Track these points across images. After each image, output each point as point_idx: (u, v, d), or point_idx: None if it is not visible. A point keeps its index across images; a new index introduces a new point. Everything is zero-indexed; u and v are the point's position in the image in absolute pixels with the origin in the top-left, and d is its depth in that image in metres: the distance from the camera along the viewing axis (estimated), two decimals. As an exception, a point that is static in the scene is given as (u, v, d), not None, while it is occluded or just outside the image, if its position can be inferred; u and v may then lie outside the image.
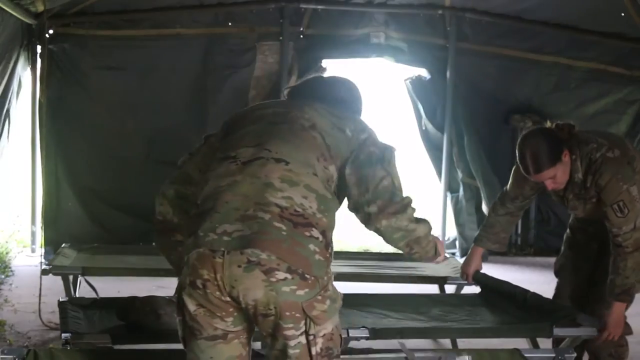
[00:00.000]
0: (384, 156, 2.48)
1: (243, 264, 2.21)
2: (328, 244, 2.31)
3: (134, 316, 3.33)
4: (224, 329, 2.33)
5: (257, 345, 2.77)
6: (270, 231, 2.23)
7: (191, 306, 2.31)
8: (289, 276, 2.22)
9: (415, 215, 2.49)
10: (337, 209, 2.43)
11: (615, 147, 3.65)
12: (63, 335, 3.07)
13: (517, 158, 3.60)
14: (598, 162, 3.59)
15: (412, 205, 2.48)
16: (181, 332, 2.41)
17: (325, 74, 2.85)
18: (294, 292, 2.22)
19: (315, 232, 2.28)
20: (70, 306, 3.57)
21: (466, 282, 4.22)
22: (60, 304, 3.60)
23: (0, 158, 6.72)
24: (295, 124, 2.45)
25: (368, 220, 2.46)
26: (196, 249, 2.27)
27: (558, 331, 3.44)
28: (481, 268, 4.18)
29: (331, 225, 2.35)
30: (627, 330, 3.66)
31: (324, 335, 2.29)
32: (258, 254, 2.21)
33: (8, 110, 6.68)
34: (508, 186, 3.96)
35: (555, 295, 3.97)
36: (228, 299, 2.27)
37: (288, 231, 2.24)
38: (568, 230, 4.06)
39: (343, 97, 2.69)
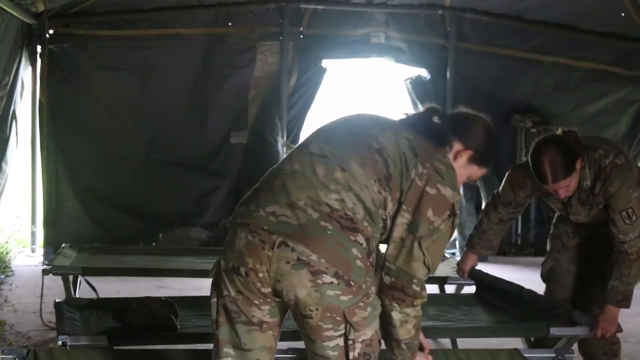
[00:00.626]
0: (435, 231, 2.38)
1: (292, 261, 2.24)
2: (370, 252, 2.32)
3: (130, 317, 3.33)
4: (260, 318, 2.36)
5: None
6: (315, 229, 2.26)
7: (232, 290, 2.34)
8: (335, 281, 2.24)
9: (411, 324, 2.43)
10: (379, 229, 2.38)
11: (620, 154, 3.64)
12: (60, 337, 3.07)
13: (532, 166, 3.54)
14: (608, 169, 3.57)
15: (414, 306, 2.42)
16: (215, 314, 2.42)
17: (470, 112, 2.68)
18: (337, 297, 2.25)
19: (360, 238, 2.29)
20: (66, 307, 3.57)
21: (463, 279, 4.25)
22: (56, 304, 3.60)
23: (10, 162, 6.74)
24: (363, 142, 2.43)
25: (380, 282, 2.43)
26: (246, 232, 2.30)
27: (554, 331, 3.44)
28: (476, 265, 4.20)
29: (375, 237, 2.35)
30: (618, 328, 3.74)
31: (363, 340, 2.31)
32: (309, 254, 2.23)
33: (14, 112, 6.70)
34: (500, 190, 3.93)
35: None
36: (269, 290, 2.30)
37: (333, 231, 2.27)
38: (554, 233, 4.03)
39: (434, 139, 2.52)
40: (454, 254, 7.29)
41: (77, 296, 4.47)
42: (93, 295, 4.17)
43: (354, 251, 2.28)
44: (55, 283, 4.75)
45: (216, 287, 2.40)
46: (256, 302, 2.33)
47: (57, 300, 3.69)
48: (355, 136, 2.46)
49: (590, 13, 7.06)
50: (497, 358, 3.16)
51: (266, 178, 2.42)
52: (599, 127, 7.67)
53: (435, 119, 2.53)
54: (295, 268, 2.24)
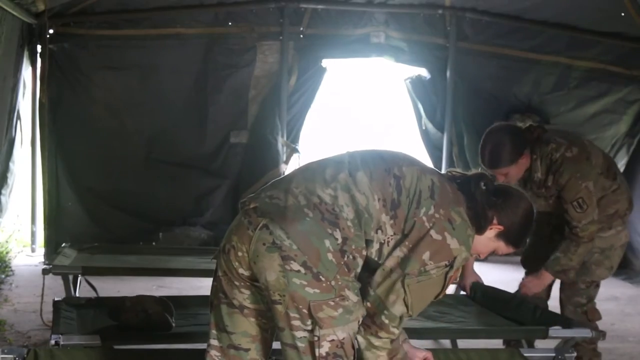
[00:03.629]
0: (429, 275, 2.37)
1: (268, 244, 2.31)
2: (344, 251, 2.32)
3: (124, 316, 3.34)
4: (241, 302, 2.41)
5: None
6: (296, 212, 2.33)
7: (219, 271, 2.44)
8: (302, 270, 2.27)
9: (377, 353, 2.42)
10: (368, 243, 2.38)
11: (573, 146, 3.84)
12: (53, 336, 3.08)
13: (480, 148, 3.78)
14: (558, 162, 3.79)
15: (378, 336, 2.41)
16: (211, 295, 2.50)
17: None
18: (303, 287, 2.27)
19: (337, 234, 2.32)
20: (64, 306, 3.59)
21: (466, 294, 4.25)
22: (55, 303, 3.61)
23: (17, 162, 6.82)
24: (386, 165, 2.45)
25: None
26: (242, 213, 2.41)
27: (553, 332, 3.46)
28: (478, 279, 4.23)
29: (356, 240, 2.33)
30: (597, 316, 4.00)
31: (332, 340, 2.30)
32: (283, 239, 2.29)
33: (18, 112, 6.75)
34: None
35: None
36: (247, 273, 2.37)
37: (312, 219, 2.32)
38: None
39: (463, 192, 2.50)
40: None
41: (78, 296, 4.47)
42: (93, 295, 4.18)
43: (327, 242, 2.30)
44: (55, 283, 4.76)
45: (215, 269, 2.49)
46: (237, 283, 2.40)
47: (55, 299, 3.70)
48: (381, 158, 2.49)
49: (590, 13, 7.05)
50: (497, 357, 3.17)
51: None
52: (599, 127, 7.67)
53: (482, 185, 2.50)
54: (269, 251, 2.30)
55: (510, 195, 2.54)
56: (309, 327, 2.29)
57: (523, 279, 4.08)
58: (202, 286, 5.86)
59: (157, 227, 7.18)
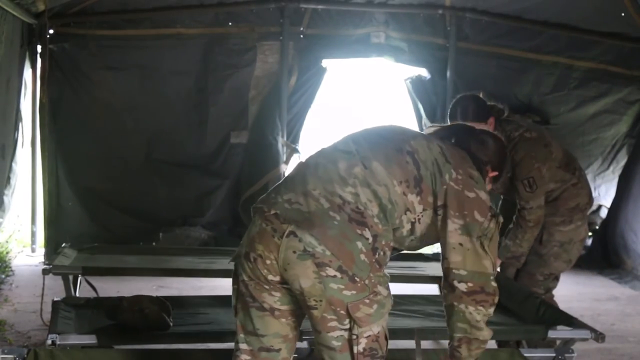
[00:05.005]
0: (489, 230, 2.47)
1: (299, 251, 2.30)
2: (376, 249, 2.33)
3: (121, 316, 3.35)
4: (272, 304, 2.40)
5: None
6: (323, 217, 2.31)
7: (245, 276, 2.41)
8: (338, 275, 2.28)
9: (489, 315, 2.49)
10: (395, 230, 2.42)
11: (533, 131, 3.99)
12: (50, 336, 3.09)
13: (448, 112, 3.94)
14: (515, 140, 3.92)
15: (495, 303, 2.49)
16: (234, 300, 2.48)
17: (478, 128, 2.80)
18: (340, 290, 2.28)
19: (367, 233, 2.32)
20: (63, 306, 3.59)
21: None
22: (53, 303, 3.61)
23: (19, 162, 6.84)
24: (395, 145, 2.49)
25: (449, 291, 2.48)
26: (261, 219, 2.37)
27: (552, 334, 3.46)
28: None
29: (386, 235, 2.37)
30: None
31: (369, 336, 2.33)
32: (315, 245, 2.28)
33: (19, 112, 6.77)
34: None
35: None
36: (277, 278, 2.36)
37: (340, 222, 2.31)
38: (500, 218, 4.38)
39: (473, 150, 2.63)
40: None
41: (77, 296, 4.47)
42: (93, 295, 4.18)
43: (359, 244, 2.30)
44: (55, 283, 4.76)
45: (235, 273, 2.46)
46: (266, 287, 2.38)
47: (54, 299, 3.70)
48: (386, 139, 2.52)
49: (591, 13, 7.05)
50: (497, 358, 3.17)
51: (292, 170, 2.51)
52: (599, 127, 7.67)
53: (477, 141, 2.66)
54: (301, 258, 2.29)
55: (493, 142, 2.70)
56: (347, 326, 2.31)
57: None
58: (202, 286, 5.87)
59: (157, 227, 7.18)
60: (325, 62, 7.50)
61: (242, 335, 2.45)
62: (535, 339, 3.72)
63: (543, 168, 3.93)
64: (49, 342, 3.07)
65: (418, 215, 2.44)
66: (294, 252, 2.29)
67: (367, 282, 2.30)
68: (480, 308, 2.44)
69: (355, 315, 2.30)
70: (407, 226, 2.44)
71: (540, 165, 3.92)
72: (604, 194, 7.80)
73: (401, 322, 3.70)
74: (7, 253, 6.72)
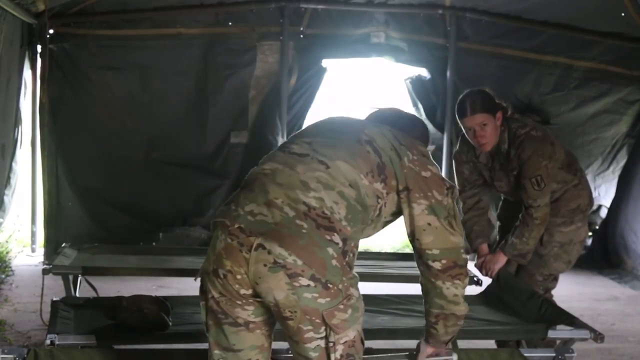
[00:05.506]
0: (449, 206, 2.51)
1: (269, 264, 2.25)
2: (346, 252, 2.31)
3: (120, 315, 3.35)
4: (245, 318, 2.37)
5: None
6: (290, 227, 2.26)
7: (215, 292, 2.36)
8: (312, 283, 2.24)
9: (464, 289, 2.52)
10: (368, 224, 2.44)
11: (538, 130, 4.01)
12: (48, 336, 3.09)
13: (457, 107, 3.97)
14: (521, 137, 3.93)
15: (468, 274, 2.55)
16: (204, 316, 2.44)
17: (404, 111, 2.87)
18: (315, 299, 2.25)
19: (337, 238, 2.29)
20: (62, 306, 3.59)
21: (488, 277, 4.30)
22: (53, 303, 3.61)
23: (18, 162, 6.85)
24: (352, 137, 2.48)
25: (425, 270, 2.51)
26: (225, 234, 2.31)
27: (552, 333, 3.46)
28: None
29: (355, 237, 2.36)
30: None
31: (345, 342, 2.31)
32: (285, 256, 2.24)
33: (19, 112, 6.77)
34: (457, 183, 4.28)
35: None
36: (250, 292, 2.31)
37: (308, 230, 2.27)
38: (499, 221, 4.45)
39: (414, 131, 2.70)
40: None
41: (77, 296, 4.46)
42: (93, 295, 4.18)
43: (330, 250, 2.27)
44: (55, 283, 4.75)
45: (202, 289, 2.42)
46: (239, 302, 2.34)
47: (54, 299, 3.70)
48: (341, 133, 2.50)
49: (591, 13, 7.05)
50: (497, 358, 3.17)
51: (247, 178, 2.44)
52: (599, 127, 7.67)
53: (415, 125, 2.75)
54: (272, 271, 2.24)
55: (417, 119, 2.84)
56: (323, 334, 2.28)
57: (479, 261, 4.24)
58: (202, 286, 5.87)
59: (157, 227, 7.18)
60: (325, 62, 7.50)
61: (217, 352, 2.41)
62: (535, 339, 3.72)
63: (550, 165, 3.94)
64: (48, 342, 3.06)
65: (385, 200, 2.46)
66: (265, 265, 2.25)
67: (340, 286, 2.28)
68: (457, 282, 2.48)
69: (331, 323, 2.27)
70: (376, 212, 2.46)
71: (547, 163, 3.93)
72: (604, 194, 7.80)
73: (401, 322, 3.70)
74: (7, 253, 6.72)
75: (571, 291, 6.20)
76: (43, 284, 4.42)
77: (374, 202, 2.42)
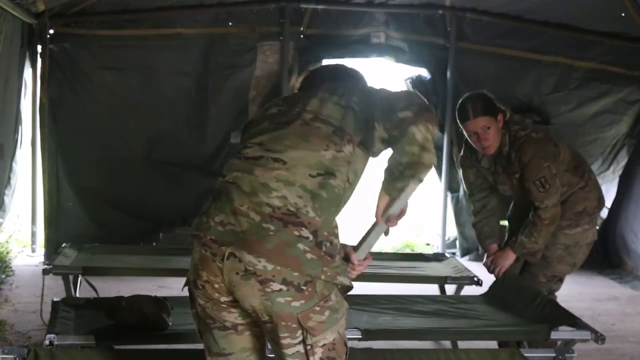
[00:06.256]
0: (405, 95, 2.44)
1: (241, 272, 2.25)
2: (321, 242, 2.28)
3: (120, 315, 3.35)
4: (233, 321, 2.37)
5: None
6: (257, 232, 2.25)
7: (200, 300, 2.37)
8: (284, 287, 2.23)
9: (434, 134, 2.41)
10: (339, 203, 2.38)
11: (540, 132, 4.00)
12: (48, 336, 3.09)
13: (458, 111, 3.97)
14: (521, 140, 3.93)
15: (437, 122, 2.46)
16: (196, 324, 2.46)
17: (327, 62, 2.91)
18: (289, 303, 2.24)
19: (305, 232, 2.26)
20: (62, 306, 3.59)
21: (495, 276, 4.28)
22: (53, 303, 3.61)
23: (18, 162, 6.86)
24: (296, 121, 2.44)
25: (399, 125, 2.34)
26: (200, 245, 2.33)
27: (553, 334, 3.45)
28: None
29: (325, 226, 2.31)
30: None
31: (324, 345, 2.29)
32: (255, 263, 2.23)
33: (19, 112, 6.77)
34: (465, 188, 4.36)
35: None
36: (229, 299, 2.32)
37: (276, 231, 2.25)
38: (508, 223, 4.42)
39: (347, 74, 2.70)
40: (454, 253, 7.30)
41: (78, 296, 4.47)
42: (93, 295, 4.18)
43: (300, 246, 2.25)
44: (55, 283, 4.75)
45: (191, 297, 2.42)
46: (224, 306, 2.34)
47: (54, 300, 3.70)
48: (284, 123, 2.45)
49: (591, 13, 7.05)
50: (497, 358, 3.16)
51: (217, 188, 2.43)
52: (600, 127, 7.66)
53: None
54: (244, 279, 2.24)
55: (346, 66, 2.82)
56: (300, 339, 2.27)
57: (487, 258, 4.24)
58: (202, 286, 5.86)
59: (157, 227, 7.18)
60: (325, 62, 7.50)
61: (209, 358, 2.43)
62: (537, 339, 3.71)
63: (552, 166, 3.92)
64: (47, 342, 3.07)
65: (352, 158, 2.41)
66: (237, 273, 2.25)
67: (322, 276, 2.24)
68: (430, 126, 2.34)
69: (307, 325, 2.25)
70: (353, 177, 2.41)
71: (549, 164, 3.91)
72: (605, 194, 7.77)
73: (401, 322, 3.70)
74: (7, 253, 6.72)
75: (571, 291, 6.19)
76: (43, 284, 4.42)
77: (345, 170, 2.37)
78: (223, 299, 2.32)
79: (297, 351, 2.28)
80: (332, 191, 2.34)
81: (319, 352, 2.28)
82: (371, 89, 2.55)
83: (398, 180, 2.37)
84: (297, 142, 2.38)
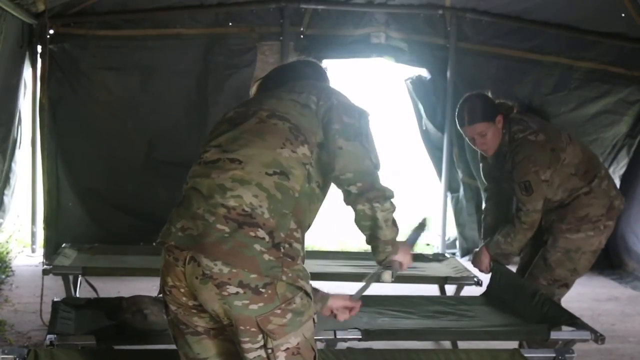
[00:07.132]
0: (361, 128, 2.42)
1: (200, 276, 2.24)
2: (278, 244, 2.25)
3: (121, 316, 3.34)
4: (205, 326, 2.36)
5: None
6: (212, 233, 2.23)
7: (172, 306, 2.37)
8: (240, 290, 2.20)
9: (391, 222, 2.44)
10: (296, 209, 2.33)
11: (542, 133, 3.94)
12: (48, 336, 3.09)
13: (456, 114, 3.98)
14: (517, 142, 3.91)
15: (393, 200, 2.43)
16: (171, 331, 2.45)
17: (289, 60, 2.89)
18: (246, 306, 2.21)
19: (261, 233, 2.24)
20: (62, 306, 3.59)
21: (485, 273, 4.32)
22: (53, 304, 3.61)
23: (18, 162, 6.86)
24: (252, 120, 2.42)
25: (347, 197, 2.42)
26: (165, 251, 2.35)
27: (553, 334, 3.45)
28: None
29: (282, 227, 2.27)
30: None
31: (287, 349, 2.24)
32: (211, 267, 2.21)
33: (19, 112, 6.77)
34: (484, 179, 4.41)
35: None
36: (197, 302, 2.31)
37: (231, 232, 2.23)
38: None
39: (305, 73, 2.69)
40: (454, 254, 7.29)
41: (78, 296, 4.46)
42: (93, 296, 4.18)
43: (257, 247, 2.22)
44: (55, 283, 4.75)
45: (164, 304, 2.42)
46: (194, 311, 2.33)
47: (54, 300, 3.70)
48: (241, 123, 2.43)
49: (591, 13, 7.05)
50: (497, 358, 3.16)
51: (181, 197, 2.43)
52: (600, 127, 7.66)
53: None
54: (203, 283, 2.23)
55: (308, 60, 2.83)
56: (261, 343, 2.23)
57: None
58: (202, 286, 5.86)
59: (157, 227, 7.05)
60: (325, 62, 7.49)
61: None
62: (537, 340, 3.71)
63: (542, 173, 3.88)
64: (47, 342, 3.06)
65: (314, 159, 2.38)
66: (197, 277, 2.24)
67: (283, 277, 2.21)
68: (376, 205, 2.37)
69: (267, 328, 2.21)
70: (307, 182, 2.38)
71: (538, 170, 3.87)
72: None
73: (401, 323, 3.70)
74: (7, 253, 6.72)
75: (571, 291, 6.15)
76: (43, 285, 4.42)
77: (302, 172, 2.34)
78: (191, 302, 2.31)
79: (258, 355, 2.24)
80: (287, 193, 2.31)
81: (281, 356, 2.24)
82: (332, 90, 2.54)
83: (371, 237, 2.49)
84: (252, 140, 2.36)
